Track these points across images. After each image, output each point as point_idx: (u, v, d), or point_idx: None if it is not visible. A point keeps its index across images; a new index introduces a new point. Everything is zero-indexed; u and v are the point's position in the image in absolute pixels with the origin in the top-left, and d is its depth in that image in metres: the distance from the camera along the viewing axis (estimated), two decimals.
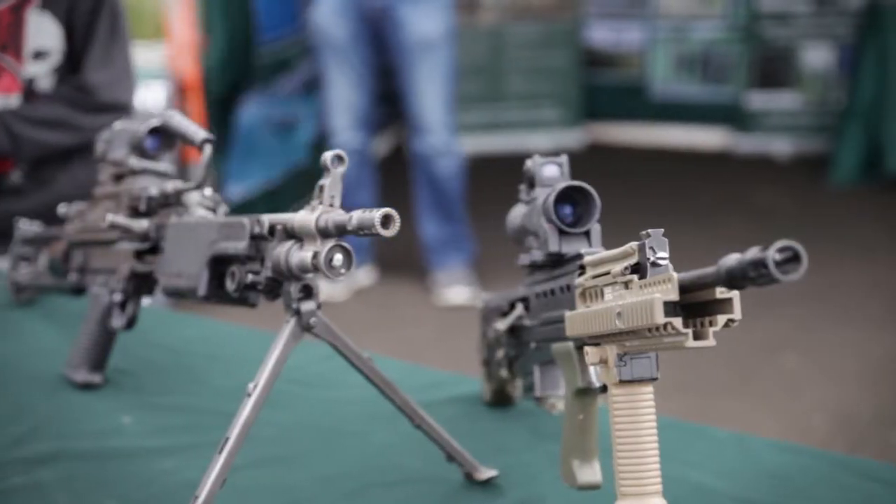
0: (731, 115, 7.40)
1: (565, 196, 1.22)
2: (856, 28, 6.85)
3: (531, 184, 1.30)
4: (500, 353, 1.43)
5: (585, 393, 1.18)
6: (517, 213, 1.33)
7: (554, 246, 1.21)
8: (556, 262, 1.23)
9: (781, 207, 6.17)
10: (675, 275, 0.92)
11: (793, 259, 0.79)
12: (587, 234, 1.22)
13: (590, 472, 1.20)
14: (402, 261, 5.00)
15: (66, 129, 2.32)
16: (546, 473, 1.37)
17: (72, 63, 2.36)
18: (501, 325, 1.39)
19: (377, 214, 1.07)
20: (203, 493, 1.15)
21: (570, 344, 1.18)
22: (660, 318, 0.91)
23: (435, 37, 4.52)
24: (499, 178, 6.51)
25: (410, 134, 4.81)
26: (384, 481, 1.35)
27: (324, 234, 1.15)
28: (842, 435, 3.44)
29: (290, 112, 5.80)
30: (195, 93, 4.81)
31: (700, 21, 7.53)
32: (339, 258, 1.15)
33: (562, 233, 1.22)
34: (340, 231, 1.13)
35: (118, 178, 1.61)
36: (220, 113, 5.15)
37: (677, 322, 0.91)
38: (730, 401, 3.72)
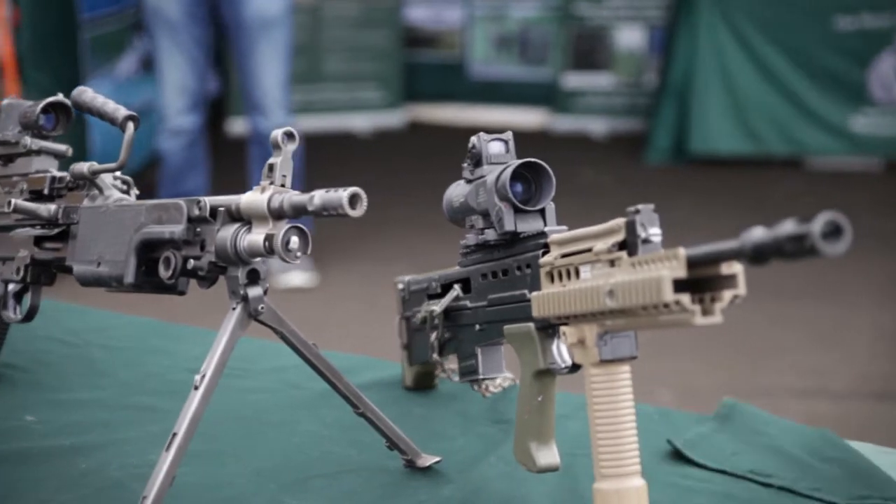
0: (549, 95, 7.53)
1: (516, 174, 1.20)
2: (667, 10, 7.09)
3: (477, 161, 1.27)
4: (433, 336, 1.39)
5: (545, 374, 1.17)
6: (458, 192, 1.30)
7: (510, 225, 1.19)
8: (511, 241, 1.21)
9: (601, 185, 6.32)
10: (682, 250, 0.91)
11: (835, 232, 0.78)
12: (542, 212, 1.20)
13: (548, 455, 1.18)
14: None
15: None
16: (486, 456, 1.36)
17: None
18: (437, 307, 1.36)
19: (344, 194, 1.03)
20: (152, 493, 1.09)
21: (531, 325, 1.15)
22: (669, 296, 0.90)
23: (275, 14, 4.43)
24: (322, 159, 6.48)
25: (248, 112, 4.69)
26: (324, 472, 1.30)
27: (277, 215, 1.10)
28: (686, 407, 3.54)
29: (141, 97, 5.56)
30: (10, 74, 4.54)
31: (517, 1, 7.62)
32: (295, 240, 1.10)
33: (517, 211, 1.19)
34: (298, 212, 1.09)
35: (8, 159, 1.49)
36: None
37: (685, 299, 0.90)
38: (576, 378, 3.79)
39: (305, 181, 4.75)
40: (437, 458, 1.31)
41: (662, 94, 6.77)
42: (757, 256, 0.84)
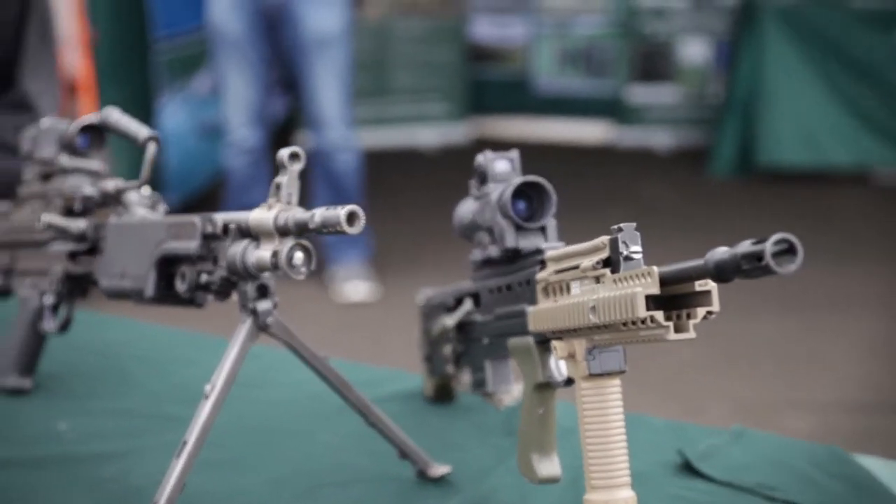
0: (613, 109, 7.55)
1: (519, 191, 1.23)
2: (732, 24, 7.06)
3: (482, 179, 1.31)
4: (448, 349, 1.43)
5: (545, 387, 1.19)
6: (467, 209, 1.33)
7: (511, 241, 1.22)
8: (513, 257, 1.24)
9: (664, 199, 6.31)
10: (655, 268, 0.93)
11: (788, 251, 0.81)
12: (543, 229, 1.23)
13: (549, 466, 1.20)
14: None
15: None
16: (497, 468, 1.38)
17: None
18: (450, 320, 1.39)
19: (342, 211, 1.06)
20: (163, 499, 1.13)
21: (530, 339, 1.18)
22: (642, 312, 0.92)
23: (333, 33, 4.51)
24: (387, 172, 6.56)
25: (309, 129, 4.78)
26: (336, 481, 1.34)
27: (283, 232, 1.14)
28: (736, 420, 3.52)
29: (213, 115, 5.68)
30: (87, 92, 4.66)
31: (581, 16, 7.65)
32: (299, 257, 1.14)
33: (518, 228, 1.22)
34: (301, 229, 1.12)
35: (46, 177, 1.56)
36: (131, 116, 5.01)
37: (659, 315, 0.92)
38: (627, 388, 3.79)
39: (367, 196, 4.83)
40: (447, 468, 1.34)
41: (727, 107, 6.74)
42: (719, 274, 0.86)
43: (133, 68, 5.34)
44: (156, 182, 5.43)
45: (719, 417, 3.57)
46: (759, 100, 6.54)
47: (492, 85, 7.83)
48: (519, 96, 7.78)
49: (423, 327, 1.56)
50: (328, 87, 4.53)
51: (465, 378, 1.45)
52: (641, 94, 7.48)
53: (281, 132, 6.77)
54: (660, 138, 7.41)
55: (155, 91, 5.49)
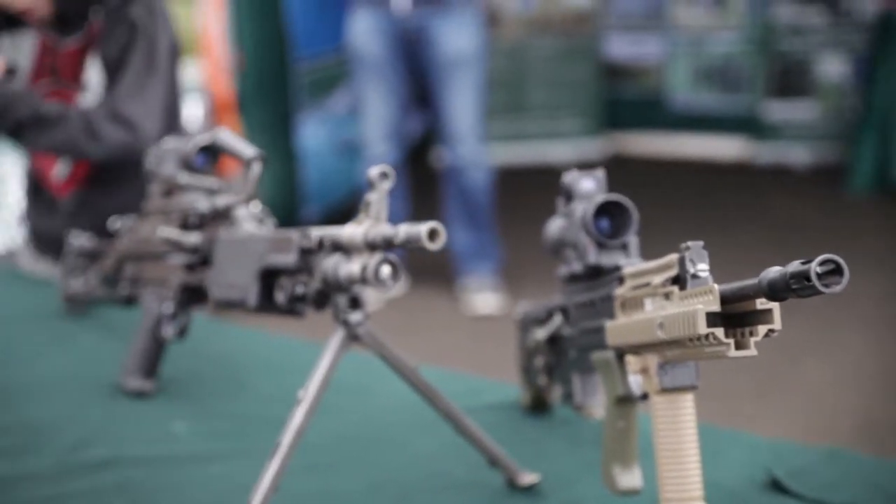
0: (749, 125, 7.44)
1: (603, 209, 1.26)
2: (870, 39, 6.90)
3: (568, 197, 1.35)
4: (540, 361, 1.48)
5: (625, 401, 1.22)
6: (555, 226, 1.38)
7: (592, 258, 1.26)
8: (595, 273, 1.28)
9: (800, 217, 6.19)
10: (716, 286, 0.96)
11: (835, 271, 0.83)
12: (625, 246, 1.27)
13: (630, 478, 1.23)
14: (431, 269, 5.04)
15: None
16: (585, 479, 1.41)
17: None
18: (541, 333, 1.44)
19: (424, 228, 1.12)
20: (257, 499, 1.20)
21: (611, 353, 1.22)
22: (702, 329, 0.95)
23: (468, 53, 4.62)
24: (522, 187, 6.61)
25: (442, 146, 4.88)
26: (429, 487, 1.39)
27: (371, 247, 1.20)
28: (867, 440, 3.46)
29: (352, 132, 5.85)
30: (230, 111, 4.86)
31: (716, 33, 7.57)
32: (386, 270, 1.20)
33: (600, 245, 1.26)
34: (388, 244, 1.18)
35: (167, 193, 1.67)
36: (273, 134, 5.27)
37: (719, 332, 0.95)
38: (751, 407, 3.75)
39: (501, 210, 4.89)
40: (536, 477, 1.38)
41: (865, 123, 6.59)
42: (772, 292, 0.88)
43: (275, 89, 5.54)
44: (296, 196, 5.59)
45: (848, 438, 3.50)
46: None
47: (627, 102, 7.81)
48: (654, 113, 7.74)
49: (520, 340, 1.61)
50: (462, 105, 4.64)
51: (557, 390, 1.48)
52: (778, 111, 7.35)
53: (418, 149, 6.89)
54: (797, 155, 7.28)
55: (294, 110, 5.67)
